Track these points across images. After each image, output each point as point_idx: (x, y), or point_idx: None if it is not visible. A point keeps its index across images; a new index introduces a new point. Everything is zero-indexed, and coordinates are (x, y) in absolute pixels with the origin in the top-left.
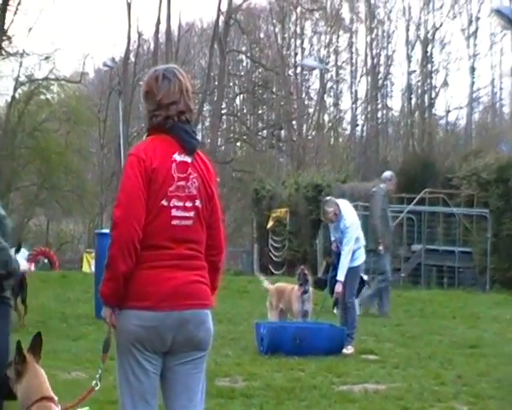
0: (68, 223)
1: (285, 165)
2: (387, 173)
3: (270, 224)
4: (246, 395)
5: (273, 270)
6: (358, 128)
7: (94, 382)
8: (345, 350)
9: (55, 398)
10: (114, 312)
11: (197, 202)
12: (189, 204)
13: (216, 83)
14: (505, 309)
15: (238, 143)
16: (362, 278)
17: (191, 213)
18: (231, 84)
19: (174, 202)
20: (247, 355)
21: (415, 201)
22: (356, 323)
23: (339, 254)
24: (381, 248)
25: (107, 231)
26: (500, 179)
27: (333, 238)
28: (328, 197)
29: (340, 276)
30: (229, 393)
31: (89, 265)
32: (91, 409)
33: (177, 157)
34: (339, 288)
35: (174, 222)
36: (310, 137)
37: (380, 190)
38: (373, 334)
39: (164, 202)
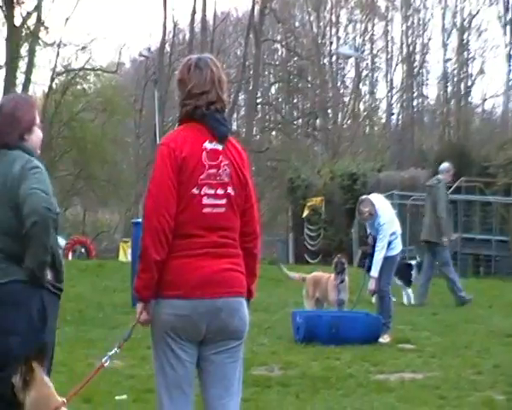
0: (104, 212)
1: (320, 154)
2: (445, 165)
3: (306, 213)
4: (282, 383)
5: (308, 259)
6: (394, 117)
7: (105, 358)
8: (381, 339)
9: (65, 400)
10: (146, 308)
11: (229, 190)
12: (220, 191)
13: (251, 72)
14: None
15: (273, 132)
16: (410, 264)
17: (223, 201)
18: (266, 73)
19: (205, 190)
20: (283, 344)
21: (451, 189)
22: (391, 312)
23: (374, 247)
24: (445, 240)
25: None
26: None
27: (368, 231)
28: (363, 196)
29: (374, 272)
30: (265, 382)
31: (125, 254)
32: (129, 398)
33: (208, 145)
34: (372, 285)
35: (206, 210)
36: (345, 126)
37: (441, 182)
38: (409, 323)
39: (195, 191)
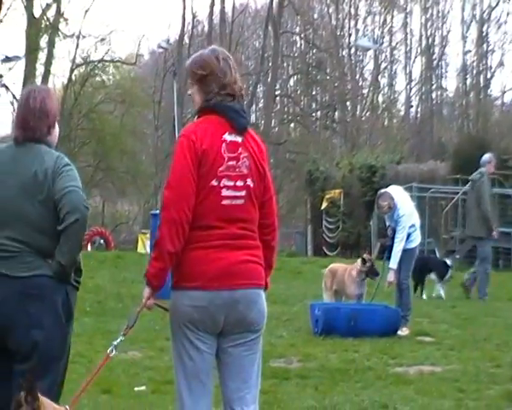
0: (123, 204)
1: (339, 146)
2: (486, 156)
3: (324, 205)
4: (301, 375)
5: (327, 251)
6: (413, 109)
7: (110, 348)
8: (400, 332)
9: (67, 407)
10: (153, 295)
11: (248, 181)
12: (240, 183)
13: (270, 64)
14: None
15: (292, 125)
16: (446, 262)
17: (242, 193)
18: (285, 65)
19: (224, 182)
20: (302, 336)
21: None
22: (411, 305)
23: (393, 239)
24: (494, 233)
25: None
26: None
27: (387, 223)
28: (382, 190)
29: (393, 264)
30: (283, 374)
31: (143, 245)
32: (147, 389)
33: (228, 137)
34: (391, 277)
35: (225, 202)
36: (364, 118)
37: (483, 175)
38: (428, 316)
39: (214, 183)
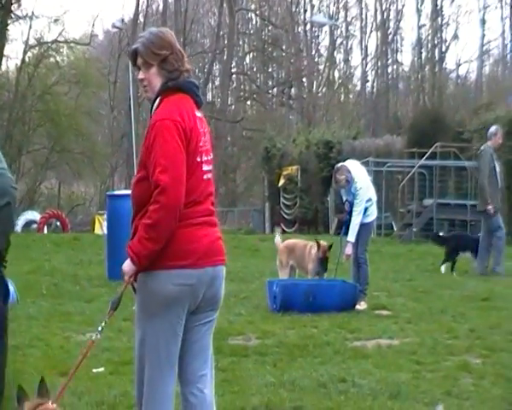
0: (79, 185)
1: (295, 123)
2: (492, 129)
3: (281, 182)
4: (259, 352)
5: (285, 228)
6: (369, 84)
7: (94, 334)
8: (358, 306)
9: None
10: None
11: (211, 155)
12: (209, 157)
13: (225, 42)
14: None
15: (248, 102)
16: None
17: (211, 167)
18: (241, 42)
19: (203, 157)
20: (260, 313)
21: (426, 155)
22: (368, 279)
23: (351, 213)
24: (490, 207)
25: (118, 192)
26: (511, 132)
27: (344, 198)
28: (339, 164)
29: (351, 237)
30: (242, 351)
31: (100, 227)
32: (106, 370)
33: (197, 113)
34: (349, 250)
35: (205, 176)
36: (320, 95)
37: (487, 148)
38: (385, 289)
39: (198, 159)
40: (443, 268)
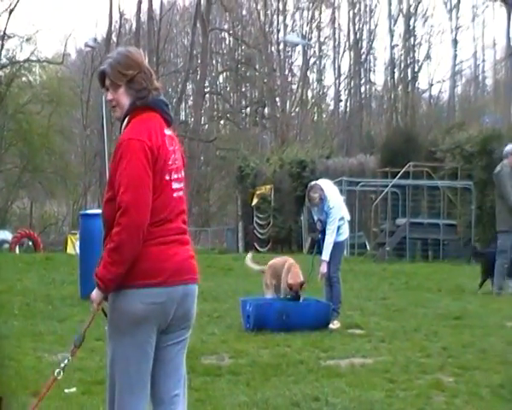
0: (52, 205)
1: (269, 142)
2: (507, 148)
3: (255, 201)
4: (232, 372)
5: (258, 247)
6: (342, 103)
7: (57, 370)
8: (331, 325)
9: None
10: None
11: (182, 173)
12: (179, 175)
13: (199, 61)
14: (489, 281)
15: (222, 122)
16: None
17: (181, 185)
18: (214, 62)
19: (173, 175)
20: (233, 332)
21: (399, 175)
22: (341, 297)
23: (324, 231)
24: None
25: (91, 212)
26: (483, 151)
27: (316, 218)
28: (312, 183)
29: (325, 256)
30: (215, 371)
31: (73, 246)
32: (78, 390)
33: (166, 132)
34: (324, 268)
35: (175, 195)
36: (293, 114)
37: (505, 167)
38: (358, 308)
39: (167, 177)
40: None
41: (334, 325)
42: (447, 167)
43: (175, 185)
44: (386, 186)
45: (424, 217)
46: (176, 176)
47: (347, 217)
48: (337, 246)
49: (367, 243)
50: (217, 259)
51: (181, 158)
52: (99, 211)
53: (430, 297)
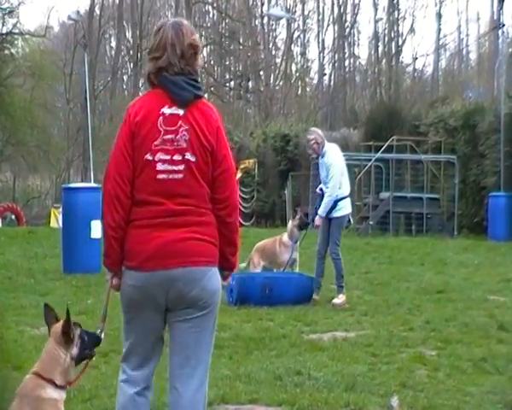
0: (35, 178)
1: (253, 116)
2: None
3: (239, 175)
4: (215, 345)
5: (242, 221)
6: (326, 77)
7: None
8: (336, 300)
9: None
10: (116, 275)
11: (188, 155)
12: (177, 157)
13: None
14: (472, 254)
15: (205, 95)
16: None
17: (180, 167)
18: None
19: (160, 156)
20: None
21: (382, 149)
22: (343, 272)
23: (322, 197)
24: None
25: (73, 185)
26: (467, 125)
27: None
28: (311, 128)
29: (321, 211)
30: None
31: (56, 220)
32: None
33: (167, 110)
34: (318, 221)
35: (160, 176)
36: (277, 88)
37: None
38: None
39: (148, 157)
40: None
41: (339, 299)
42: (430, 141)
43: (160, 167)
44: (370, 160)
45: (407, 191)
46: (165, 157)
47: (347, 192)
48: (335, 222)
49: (350, 217)
50: None
51: (196, 140)
52: (82, 185)
53: (413, 271)
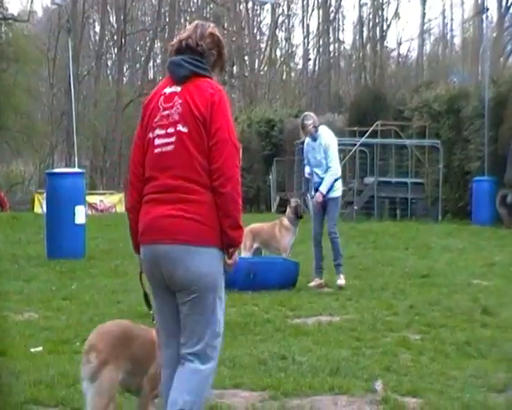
0: (19, 164)
1: (237, 101)
2: None
3: None
4: None
5: None
6: (310, 62)
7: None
8: (339, 281)
9: None
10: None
11: (179, 127)
12: (170, 130)
13: (167, 20)
14: (456, 239)
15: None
16: None
17: (172, 139)
18: (182, 20)
19: (157, 132)
20: None
21: (367, 134)
22: (341, 251)
23: (318, 183)
24: None
25: (57, 171)
26: (451, 110)
27: (306, 162)
28: (305, 113)
29: (322, 189)
30: None
31: (40, 205)
32: (44, 349)
33: (167, 90)
34: (319, 197)
35: (156, 151)
36: (262, 73)
37: None
38: (326, 267)
39: (150, 134)
40: None
41: (342, 279)
42: (415, 126)
43: (157, 141)
44: (355, 145)
45: (392, 176)
46: (161, 132)
47: (339, 173)
48: (332, 202)
49: None
50: None
51: (188, 112)
52: (66, 170)
53: (397, 256)
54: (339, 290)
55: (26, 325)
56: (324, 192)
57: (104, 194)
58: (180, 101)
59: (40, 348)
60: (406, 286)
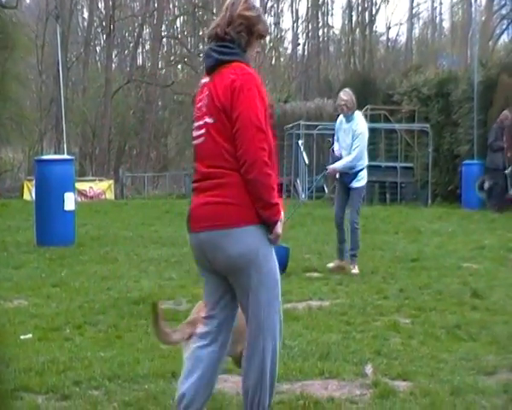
0: (7, 151)
1: None
2: None
3: None
4: None
5: None
6: (300, 47)
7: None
8: (353, 270)
9: None
10: None
11: (206, 118)
12: (201, 122)
13: (155, 5)
14: (446, 223)
15: (179, 66)
16: None
17: (202, 131)
18: (171, 6)
19: (194, 124)
20: (191, 278)
21: None
22: (360, 242)
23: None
24: None
25: (46, 157)
26: (440, 94)
27: (335, 140)
28: (346, 88)
29: (338, 165)
30: (173, 315)
31: (29, 192)
32: (34, 337)
33: (202, 81)
34: (332, 170)
35: (194, 142)
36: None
37: None
38: (316, 252)
39: (193, 127)
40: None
41: (355, 269)
42: (404, 110)
43: (194, 134)
44: None
45: (381, 160)
46: (197, 124)
47: (366, 163)
48: (356, 191)
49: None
50: (175, 204)
51: (211, 103)
52: (55, 157)
53: (387, 240)
54: (329, 275)
55: (15, 312)
56: (337, 169)
57: (94, 180)
58: (207, 92)
59: (30, 336)
60: (396, 270)
